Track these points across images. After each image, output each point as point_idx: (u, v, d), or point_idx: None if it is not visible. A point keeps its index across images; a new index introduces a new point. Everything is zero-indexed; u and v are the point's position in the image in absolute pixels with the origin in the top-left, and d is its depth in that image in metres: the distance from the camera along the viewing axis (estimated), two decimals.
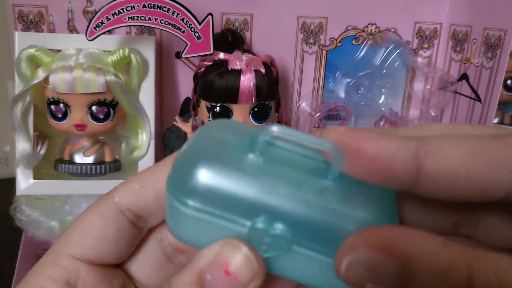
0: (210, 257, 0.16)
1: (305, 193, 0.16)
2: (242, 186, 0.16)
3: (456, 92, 0.59)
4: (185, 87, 0.58)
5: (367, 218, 0.16)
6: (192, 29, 0.47)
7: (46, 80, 0.47)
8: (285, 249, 0.16)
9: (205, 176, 0.16)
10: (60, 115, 0.48)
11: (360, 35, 0.60)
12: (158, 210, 0.20)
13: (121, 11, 0.45)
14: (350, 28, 0.60)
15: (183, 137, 0.59)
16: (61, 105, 0.48)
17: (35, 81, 0.46)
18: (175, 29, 0.47)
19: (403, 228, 0.15)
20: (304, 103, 0.62)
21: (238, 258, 0.16)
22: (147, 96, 0.51)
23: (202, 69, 0.51)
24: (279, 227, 0.16)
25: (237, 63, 0.49)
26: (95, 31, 0.45)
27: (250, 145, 0.17)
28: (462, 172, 0.15)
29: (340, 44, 0.60)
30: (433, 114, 0.62)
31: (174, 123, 0.55)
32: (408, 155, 0.15)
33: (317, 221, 0.16)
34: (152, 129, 0.51)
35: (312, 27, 0.59)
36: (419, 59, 0.62)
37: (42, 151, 0.50)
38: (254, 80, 0.49)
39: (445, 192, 0.16)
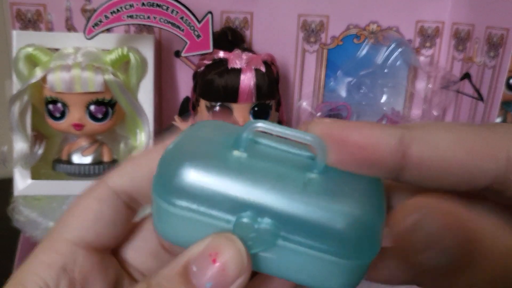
0: (198, 250, 0.16)
1: (289, 186, 0.16)
2: (226, 182, 0.16)
3: (458, 92, 0.59)
4: (185, 86, 0.58)
5: (352, 210, 0.16)
6: (192, 28, 0.46)
7: (44, 79, 0.46)
8: (270, 243, 0.16)
9: (190, 174, 0.16)
10: (58, 115, 0.48)
11: (361, 34, 0.60)
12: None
13: (120, 9, 0.44)
14: (351, 26, 0.59)
15: None
16: (59, 104, 0.48)
17: (33, 80, 0.46)
18: (174, 28, 0.46)
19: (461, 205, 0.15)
20: (305, 102, 0.61)
21: (231, 250, 0.16)
22: (146, 96, 0.51)
23: (202, 68, 0.51)
24: (264, 221, 0.16)
25: (237, 62, 0.49)
26: (94, 30, 0.45)
27: (235, 142, 0.17)
28: (447, 158, 0.15)
29: (341, 42, 0.60)
30: (435, 113, 0.61)
31: (173, 122, 0.54)
32: (392, 141, 0.15)
33: (301, 214, 0.16)
34: (151, 128, 0.51)
35: (313, 25, 0.58)
36: (421, 58, 0.62)
37: (40, 151, 0.50)
38: (254, 79, 0.48)
39: (430, 180, 0.16)
